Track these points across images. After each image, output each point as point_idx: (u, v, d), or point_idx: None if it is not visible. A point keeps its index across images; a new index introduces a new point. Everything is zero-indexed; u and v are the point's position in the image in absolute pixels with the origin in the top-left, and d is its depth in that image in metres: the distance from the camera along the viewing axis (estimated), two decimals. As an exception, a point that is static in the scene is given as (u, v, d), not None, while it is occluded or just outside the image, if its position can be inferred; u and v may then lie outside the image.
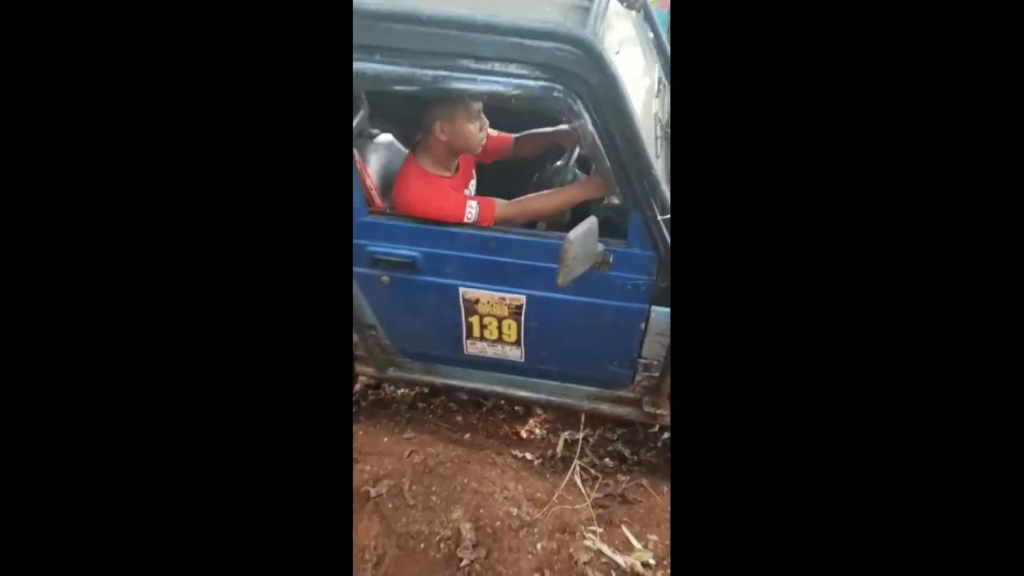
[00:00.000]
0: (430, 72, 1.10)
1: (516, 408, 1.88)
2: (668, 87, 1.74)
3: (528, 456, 1.73)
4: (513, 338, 1.47)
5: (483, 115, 1.31)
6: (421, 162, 1.34)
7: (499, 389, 1.64)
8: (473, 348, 1.53)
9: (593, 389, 1.58)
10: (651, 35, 1.70)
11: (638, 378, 1.49)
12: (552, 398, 1.62)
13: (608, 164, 1.16)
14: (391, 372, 1.67)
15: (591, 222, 1.16)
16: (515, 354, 1.51)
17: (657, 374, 1.46)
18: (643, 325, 1.36)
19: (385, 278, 1.41)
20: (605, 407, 1.57)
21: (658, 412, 1.50)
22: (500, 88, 1.09)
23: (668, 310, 1.32)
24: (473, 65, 1.09)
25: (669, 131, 1.51)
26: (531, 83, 1.08)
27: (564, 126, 1.51)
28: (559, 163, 1.54)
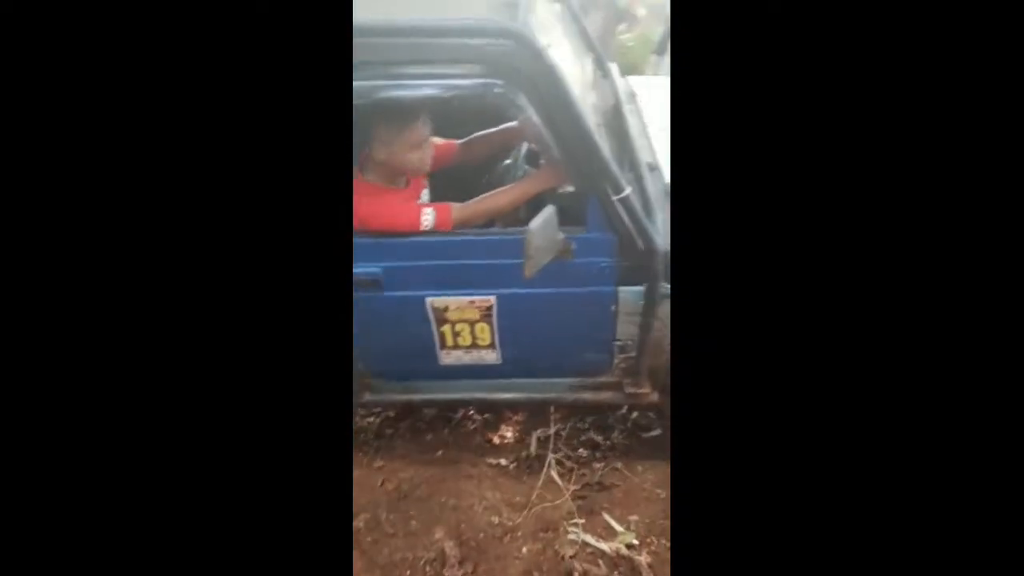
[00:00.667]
0: (365, 83, 1.09)
1: (486, 416, 1.88)
2: (605, 78, 1.79)
3: (503, 462, 1.73)
4: (487, 341, 1.46)
5: (428, 139, 1.29)
6: (369, 178, 1.32)
7: (480, 396, 1.62)
8: (448, 358, 1.51)
9: (574, 380, 1.58)
10: (577, 29, 1.74)
11: (616, 361, 1.50)
12: (534, 396, 1.61)
13: (557, 153, 1.17)
14: (367, 397, 1.63)
15: (549, 211, 1.17)
16: (491, 357, 1.50)
17: (634, 354, 1.47)
18: (614, 307, 1.38)
19: (350, 300, 1.38)
20: (588, 395, 1.57)
21: (640, 392, 1.51)
22: (437, 91, 1.09)
23: (636, 289, 1.33)
24: (406, 71, 1.08)
25: (612, 122, 1.55)
26: (468, 82, 1.08)
27: (508, 124, 1.53)
28: (507, 161, 1.55)
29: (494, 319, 1.41)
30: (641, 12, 4.06)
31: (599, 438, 1.79)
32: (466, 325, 1.43)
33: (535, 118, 1.12)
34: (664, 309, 1.36)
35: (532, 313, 1.40)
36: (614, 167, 1.18)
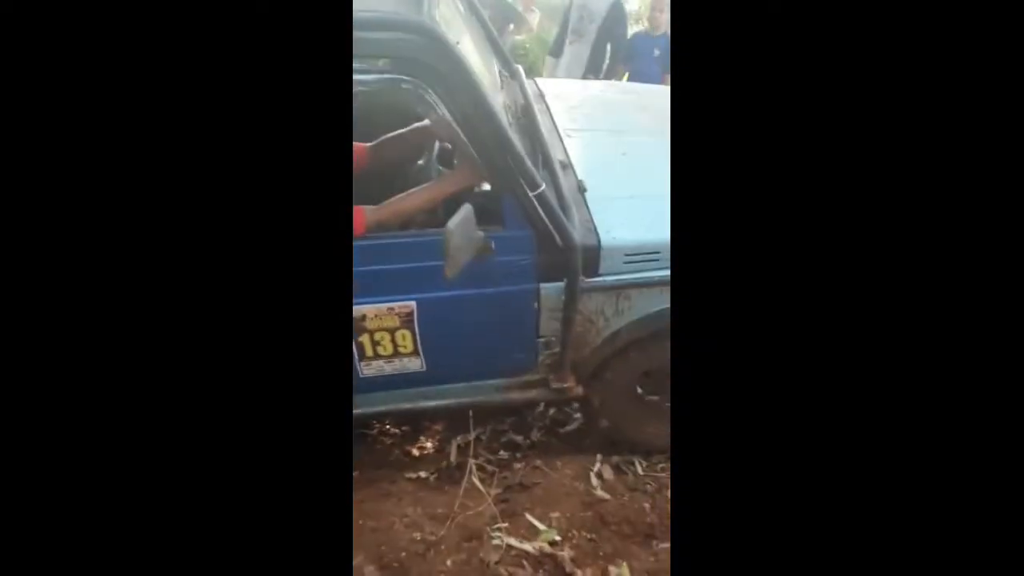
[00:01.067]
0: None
1: (404, 428, 1.83)
2: (513, 78, 1.80)
3: (423, 474, 1.69)
4: (410, 348, 1.41)
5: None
6: None
7: (405, 406, 1.56)
8: (369, 370, 1.44)
9: (500, 380, 1.56)
10: (482, 29, 1.74)
11: (540, 358, 1.51)
12: (462, 400, 1.58)
13: (472, 150, 1.15)
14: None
15: (467, 209, 1.15)
16: (415, 364, 1.45)
17: (557, 350, 1.48)
18: (536, 304, 1.38)
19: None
20: (515, 395, 1.57)
21: (565, 386, 1.53)
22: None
23: (556, 285, 1.34)
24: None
25: (522, 122, 1.56)
26: (373, 77, 1.04)
27: (419, 124, 1.49)
28: (420, 162, 1.51)
29: (415, 325, 1.36)
30: (534, 14, 4.15)
31: (519, 438, 1.80)
32: (386, 333, 1.37)
33: (447, 115, 1.10)
34: (585, 304, 1.38)
35: (455, 316, 1.37)
36: (529, 164, 1.18)
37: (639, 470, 1.71)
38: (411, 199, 1.27)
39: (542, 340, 1.46)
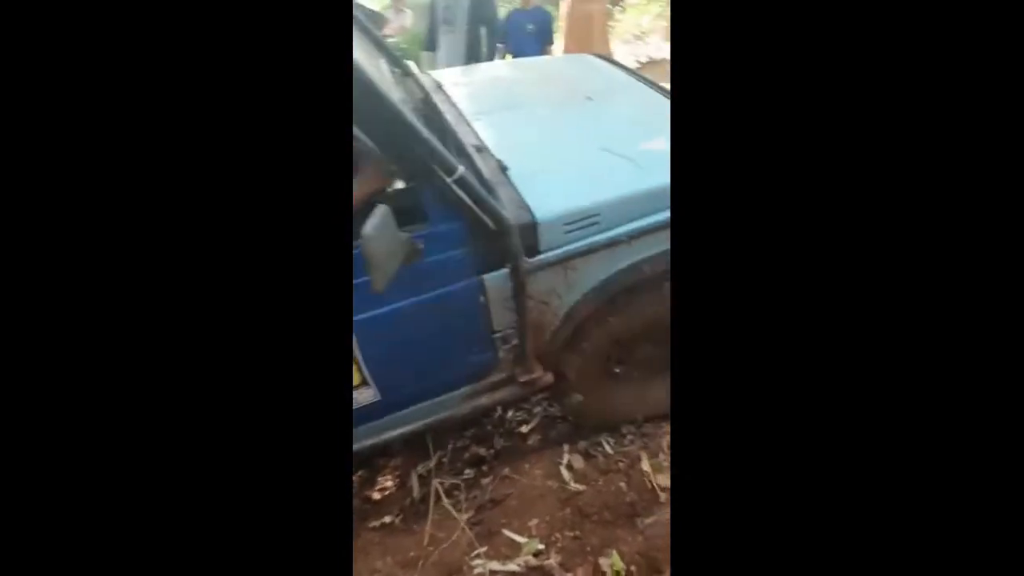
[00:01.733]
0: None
1: (360, 473, 1.69)
2: (407, 75, 1.70)
3: (387, 519, 1.56)
4: (357, 380, 1.27)
5: None
6: None
7: (367, 444, 1.42)
8: (318, 414, 1.28)
9: (465, 389, 1.45)
10: (364, 30, 1.63)
11: (501, 355, 1.40)
12: (428, 420, 1.45)
13: (378, 150, 1.03)
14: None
15: (382, 211, 1.02)
16: (367, 396, 1.31)
17: (516, 342, 1.39)
18: (482, 298, 1.27)
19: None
20: (484, 399, 1.45)
21: (534, 376, 1.43)
22: None
23: (501, 272, 1.24)
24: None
25: (426, 113, 1.45)
26: None
27: None
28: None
29: (356, 352, 1.22)
30: (405, 13, 4.06)
31: (482, 450, 1.69)
32: (327, 370, 1.22)
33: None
34: (534, 286, 1.29)
35: (397, 332, 1.24)
36: (441, 148, 1.07)
37: (608, 449, 1.64)
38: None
39: (498, 335, 1.36)
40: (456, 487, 1.60)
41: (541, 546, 1.40)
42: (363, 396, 1.31)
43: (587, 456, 1.63)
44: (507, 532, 1.44)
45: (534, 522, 1.46)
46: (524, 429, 1.76)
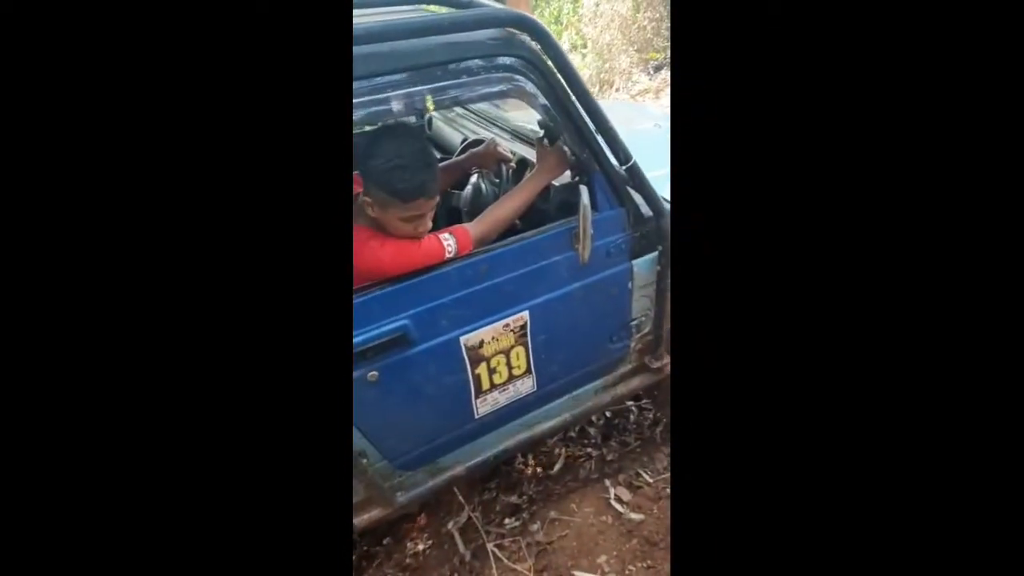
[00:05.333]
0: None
1: (384, 542, 1.58)
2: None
3: None
4: (523, 368, 1.32)
5: (432, 212, 1.13)
6: (370, 223, 1.12)
7: (518, 440, 1.44)
8: (484, 406, 1.31)
9: (599, 381, 1.52)
10: None
11: (633, 344, 1.50)
12: (567, 416, 1.50)
13: (568, 138, 1.16)
14: (399, 499, 1.31)
15: (579, 188, 1.14)
16: (527, 386, 1.36)
17: (648, 330, 1.49)
18: (630, 284, 1.38)
19: (373, 374, 1.11)
20: (620, 390, 1.53)
21: (665, 362, 1.53)
22: (459, 93, 1.01)
23: (649, 257, 1.36)
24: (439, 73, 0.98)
25: None
26: (493, 76, 1.02)
27: (475, 149, 1.47)
28: (465, 191, 1.48)
29: (528, 339, 1.28)
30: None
31: (514, 498, 1.62)
32: (502, 357, 1.27)
33: (545, 103, 1.10)
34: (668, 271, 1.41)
35: (560, 317, 1.31)
36: (620, 137, 1.21)
37: (647, 478, 1.63)
38: (505, 205, 1.23)
39: (635, 323, 1.46)
40: (502, 536, 1.54)
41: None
42: (524, 385, 1.35)
43: (631, 488, 1.62)
44: (578, 573, 1.41)
45: (603, 558, 1.44)
46: (552, 471, 1.71)
